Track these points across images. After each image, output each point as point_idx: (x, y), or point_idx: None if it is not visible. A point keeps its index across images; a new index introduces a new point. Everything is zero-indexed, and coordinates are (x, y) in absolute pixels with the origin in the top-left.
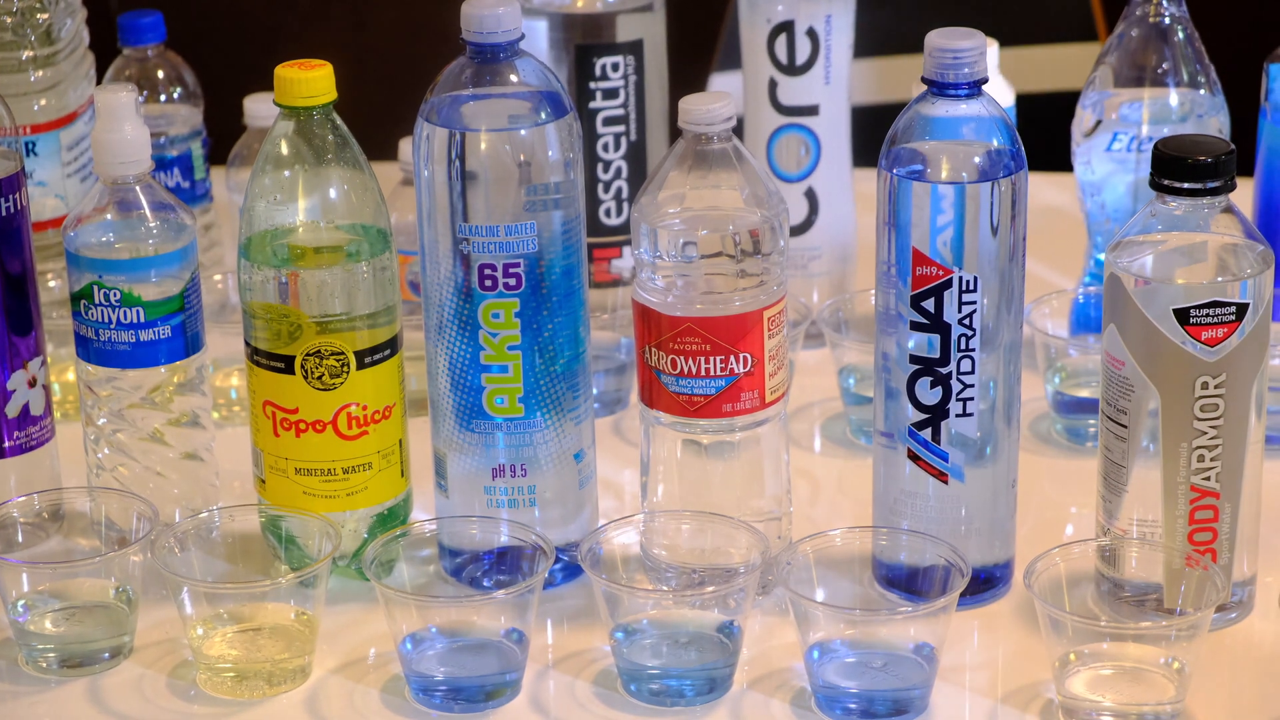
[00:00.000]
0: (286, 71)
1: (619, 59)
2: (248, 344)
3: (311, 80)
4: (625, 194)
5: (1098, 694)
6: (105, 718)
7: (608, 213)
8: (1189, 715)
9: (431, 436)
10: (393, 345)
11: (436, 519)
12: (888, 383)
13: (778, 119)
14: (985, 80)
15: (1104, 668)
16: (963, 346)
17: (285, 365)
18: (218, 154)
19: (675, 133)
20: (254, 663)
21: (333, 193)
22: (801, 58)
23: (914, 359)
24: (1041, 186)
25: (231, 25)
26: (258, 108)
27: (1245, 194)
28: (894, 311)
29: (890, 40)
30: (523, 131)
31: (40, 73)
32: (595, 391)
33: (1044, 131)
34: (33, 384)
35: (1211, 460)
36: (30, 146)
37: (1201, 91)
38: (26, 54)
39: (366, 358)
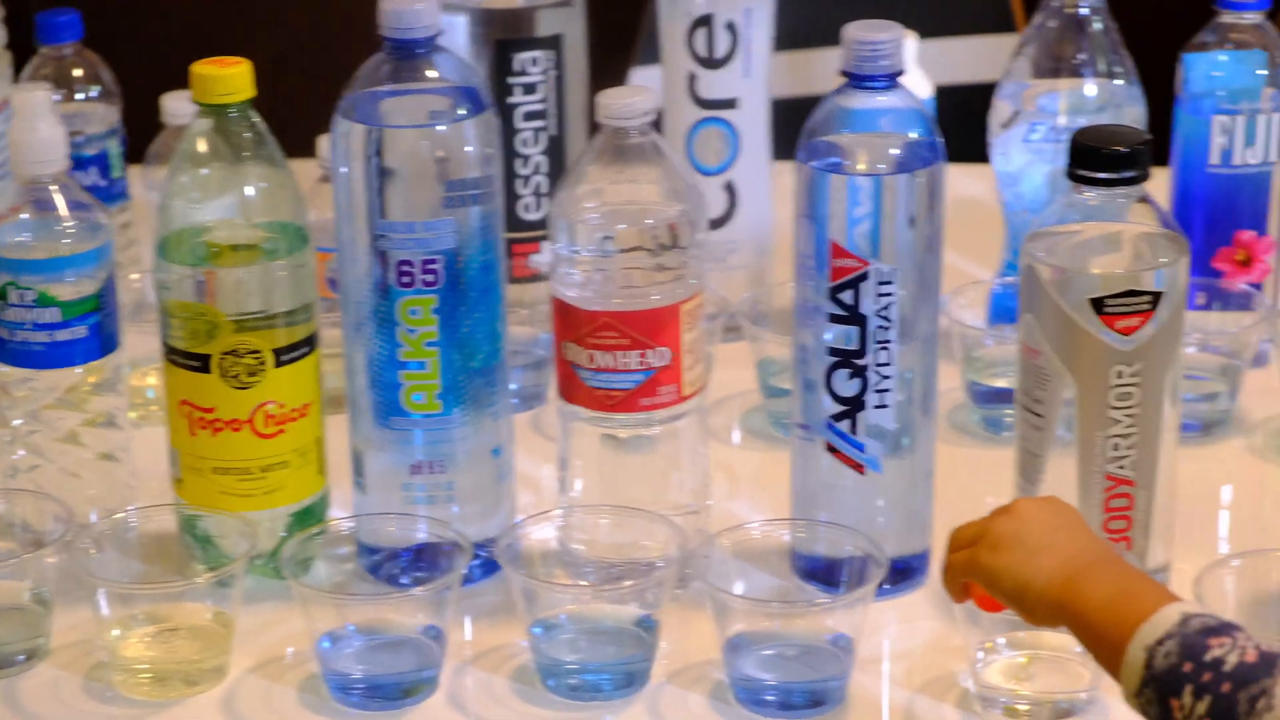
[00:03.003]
0: (203, 69)
1: (538, 54)
2: (164, 343)
3: (228, 78)
4: (545, 189)
5: (1014, 683)
6: None
7: (527, 208)
8: (1104, 703)
9: (349, 434)
10: (310, 343)
11: (354, 516)
12: (805, 375)
13: (697, 112)
14: (902, 72)
15: (1020, 656)
16: (880, 338)
17: (202, 364)
18: (136, 152)
19: (595, 127)
20: (171, 663)
21: (250, 190)
22: (721, 51)
23: (832, 351)
24: (959, 177)
25: (150, 23)
26: (176, 105)
27: (1161, 184)
28: (812, 304)
29: (809, 33)
30: (441, 127)
31: None
32: (513, 387)
33: (962, 123)
34: None
35: (1127, 449)
36: None
37: (1118, 82)
38: None
39: (284, 356)
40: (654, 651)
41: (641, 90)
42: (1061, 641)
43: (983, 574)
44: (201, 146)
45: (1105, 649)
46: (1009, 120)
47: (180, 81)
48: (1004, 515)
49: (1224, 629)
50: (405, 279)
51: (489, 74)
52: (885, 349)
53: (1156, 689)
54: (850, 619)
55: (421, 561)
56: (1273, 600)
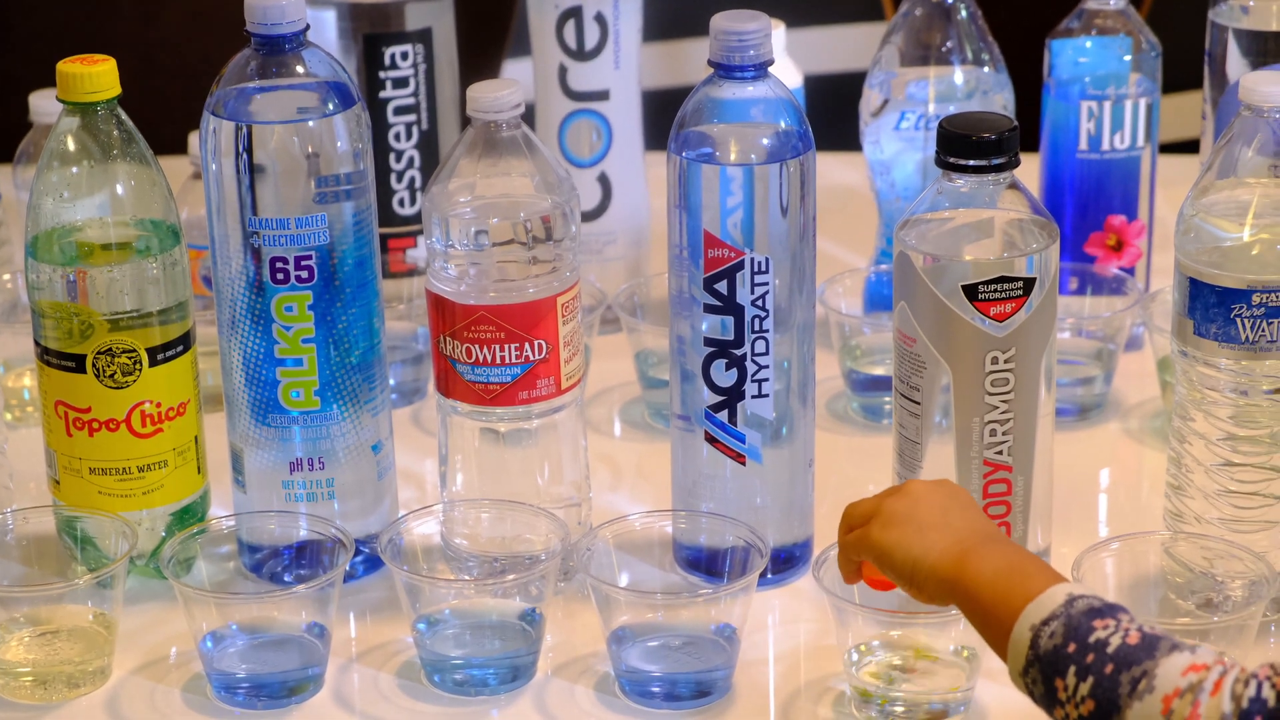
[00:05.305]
0: (69, 67)
1: (408, 48)
2: (38, 343)
3: (95, 75)
4: (418, 183)
5: (888, 684)
6: None
7: (401, 202)
8: (980, 703)
9: (228, 432)
10: (185, 341)
11: (235, 515)
12: (683, 366)
13: (569, 105)
14: (771, 62)
15: (894, 657)
16: (756, 328)
17: (76, 364)
18: (4, 151)
19: (467, 121)
20: (53, 666)
21: (120, 189)
22: (590, 43)
23: (708, 341)
24: (831, 166)
25: (16, 20)
26: (43, 104)
27: (1031, 170)
28: (687, 294)
29: (679, 24)
30: (310, 123)
31: None
32: (392, 382)
33: (832, 112)
34: None
35: (1004, 434)
36: None
37: (986, 69)
38: None
39: (159, 354)
40: (539, 645)
41: (511, 83)
42: (936, 642)
43: (874, 550)
44: (70, 145)
45: (993, 627)
46: (879, 109)
47: (49, 79)
48: (897, 494)
49: (1109, 610)
50: (279, 275)
51: (359, 68)
52: (762, 338)
53: (1041, 669)
54: (734, 609)
55: (304, 559)
56: (1151, 582)
